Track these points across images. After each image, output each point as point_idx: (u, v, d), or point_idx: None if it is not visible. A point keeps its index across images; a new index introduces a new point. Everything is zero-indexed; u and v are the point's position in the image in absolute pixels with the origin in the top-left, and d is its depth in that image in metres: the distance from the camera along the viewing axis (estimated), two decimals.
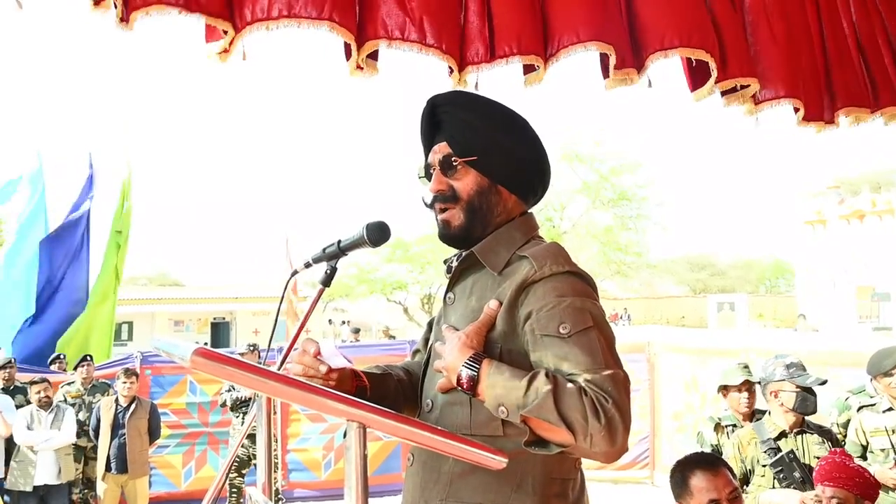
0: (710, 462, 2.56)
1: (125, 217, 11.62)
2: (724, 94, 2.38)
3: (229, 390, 7.00)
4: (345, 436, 0.98)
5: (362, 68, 2.02)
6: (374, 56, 2.04)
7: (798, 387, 3.41)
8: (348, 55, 1.98)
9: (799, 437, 3.38)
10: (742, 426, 4.07)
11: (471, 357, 1.30)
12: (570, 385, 1.19)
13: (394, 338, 15.15)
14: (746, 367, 4.31)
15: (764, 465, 3.35)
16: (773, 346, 7.24)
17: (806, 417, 3.48)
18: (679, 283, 43.24)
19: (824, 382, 3.44)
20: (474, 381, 1.27)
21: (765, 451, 3.37)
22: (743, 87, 2.31)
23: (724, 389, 4.26)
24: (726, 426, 4.17)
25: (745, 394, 4.15)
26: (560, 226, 28.43)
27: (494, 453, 1.02)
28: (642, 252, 31.47)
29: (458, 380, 1.29)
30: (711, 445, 4.10)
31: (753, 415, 4.13)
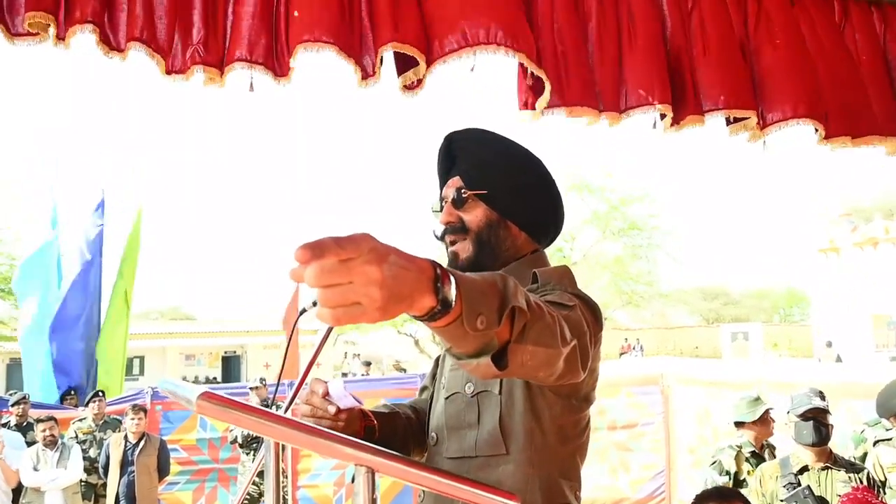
0: (723, 496, 2.62)
1: (133, 249, 11.72)
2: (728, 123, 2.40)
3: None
4: (353, 480, 0.96)
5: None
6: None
7: (797, 416, 3.37)
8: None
9: (824, 472, 3.31)
10: (758, 452, 4.11)
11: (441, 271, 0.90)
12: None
13: (405, 371, 15.10)
14: (758, 398, 4.32)
15: (781, 501, 3.29)
16: (787, 377, 7.15)
17: (837, 454, 3.42)
18: (692, 313, 42.92)
19: (819, 410, 3.37)
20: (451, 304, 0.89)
21: (784, 486, 3.31)
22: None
23: (741, 425, 4.24)
24: (748, 455, 4.13)
25: (765, 426, 4.21)
26: (570, 256, 28.40)
27: (505, 496, 1.00)
28: (654, 282, 31.39)
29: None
30: (728, 473, 4.05)
31: (764, 445, 4.17)
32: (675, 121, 2.25)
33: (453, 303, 0.89)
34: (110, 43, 2.00)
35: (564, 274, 1.41)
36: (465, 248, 1.51)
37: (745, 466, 4.04)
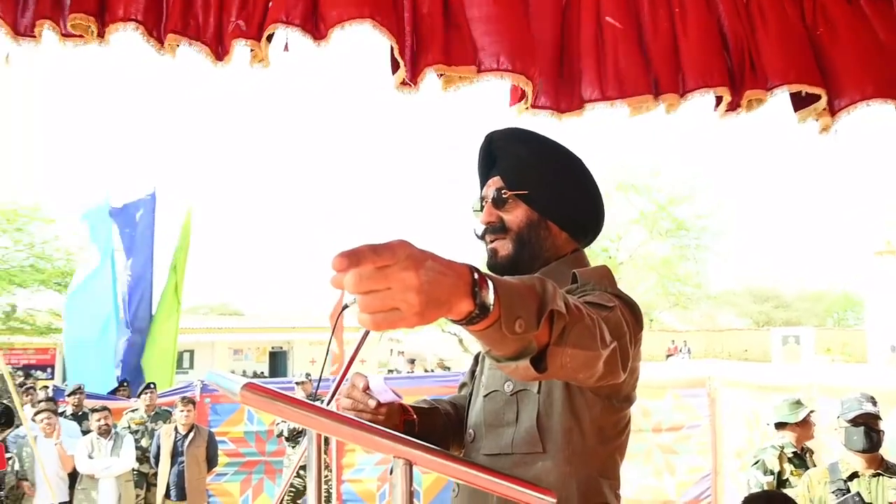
0: (772, 499, 2.58)
1: (184, 246, 11.99)
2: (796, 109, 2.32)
3: (285, 420, 7.07)
4: (391, 472, 0.98)
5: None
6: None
7: (847, 422, 3.30)
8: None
9: (874, 479, 3.24)
10: (799, 454, 4.19)
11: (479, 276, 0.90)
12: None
13: (448, 369, 15.13)
14: (800, 401, 4.42)
15: None
16: (838, 382, 6.98)
17: (888, 460, 3.34)
18: (741, 316, 42.06)
19: (870, 416, 3.29)
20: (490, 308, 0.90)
21: (832, 492, 3.25)
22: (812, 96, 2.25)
23: (782, 426, 4.33)
24: (790, 455, 4.19)
25: (806, 429, 4.32)
26: (616, 256, 28.08)
27: (542, 492, 1.00)
28: (702, 283, 30.84)
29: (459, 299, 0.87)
30: (771, 472, 4.10)
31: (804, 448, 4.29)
32: (735, 103, 2.19)
33: (491, 307, 0.89)
34: (157, 38, 2.02)
35: (604, 274, 1.41)
36: (504, 247, 1.52)
37: (788, 467, 4.10)
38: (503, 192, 1.52)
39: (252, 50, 2.04)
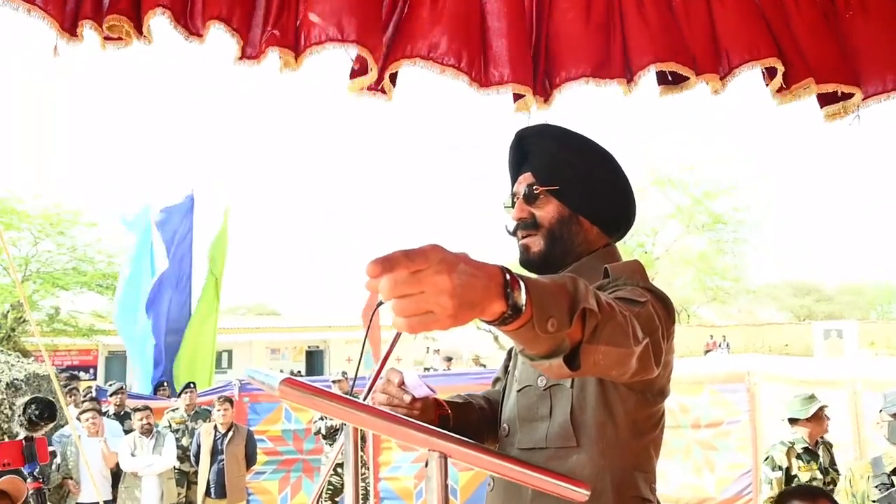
0: (809, 492, 2.57)
1: (221, 248, 12.16)
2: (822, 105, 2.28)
3: (322, 418, 7.14)
4: (427, 465, 0.99)
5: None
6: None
7: (891, 416, 3.24)
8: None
9: None
10: (811, 448, 4.32)
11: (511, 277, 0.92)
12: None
13: (484, 366, 15.12)
14: (813, 396, 4.51)
15: (874, 501, 3.17)
16: (882, 376, 6.84)
17: None
18: (781, 310, 41.37)
19: None
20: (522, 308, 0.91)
21: (876, 486, 3.19)
22: (846, 94, 2.20)
23: (794, 422, 4.44)
24: (800, 451, 4.31)
25: (819, 424, 4.41)
26: (652, 251, 27.81)
27: (576, 485, 1.01)
28: (741, 277, 30.39)
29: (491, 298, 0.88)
30: (780, 468, 4.23)
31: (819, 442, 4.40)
32: (787, 85, 2.15)
33: (524, 307, 0.90)
34: (188, 27, 2.04)
35: (636, 269, 1.40)
36: (536, 243, 1.52)
37: (796, 462, 4.24)
38: (535, 188, 1.52)
39: (283, 57, 2.08)
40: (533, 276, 0.98)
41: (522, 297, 0.90)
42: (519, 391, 1.49)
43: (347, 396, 1.01)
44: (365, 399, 1.47)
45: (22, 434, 3.09)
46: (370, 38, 2.05)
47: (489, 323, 0.92)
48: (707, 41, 2.19)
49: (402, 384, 1.45)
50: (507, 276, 0.89)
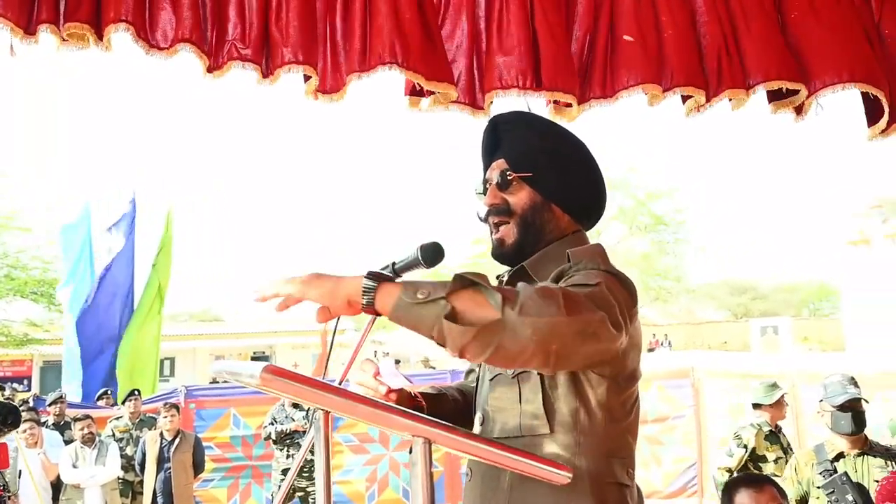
0: (755, 480, 2.69)
1: (166, 252, 11.89)
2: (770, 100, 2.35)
3: (272, 423, 7.04)
4: (411, 451, 0.99)
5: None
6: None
7: (835, 407, 3.36)
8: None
9: (860, 458, 3.29)
10: (774, 431, 4.64)
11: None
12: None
13: (434, 368, 15.13)
14: (775, 384, 4.84)
15: (818, 488, 3.28)
16: (818, 369, 7.09)
17: (872, 440, 3.41)
18: (720, 308, 42.45)
19: (856, 400, 3.36)
20: (381, 278, 1.20)
21: (820, 473, 3.30)
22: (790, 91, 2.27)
23: (758, 407, 4.77)
24: (766, 433, 4.62)
25: (779, 410, 4.76)
26: None
27: (559, 468, 1.02)
28: (681, 277, 31.12)
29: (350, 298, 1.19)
30: (745, 446, 4.52)
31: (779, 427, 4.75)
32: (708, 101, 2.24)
33: (384, 279, 1.18)
34: (149, 41, 2.05)
35: (597, 252, 1.42)
36: (509, 233, 1.53)
37: (764, 443, 4.55)
38: (508, 174, 1.53)
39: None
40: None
41: (381, 274, 1.19)
42: (491, 380, 1.49)
43: (329, 383, 1.00)
44: None
45: None
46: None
47: (365, 310, 1.18)
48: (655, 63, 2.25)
49: (377, 374, 1.45)
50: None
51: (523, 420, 1.39)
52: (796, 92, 2.24)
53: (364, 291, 1.16)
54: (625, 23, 2.22)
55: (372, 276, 1.18)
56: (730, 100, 2.24)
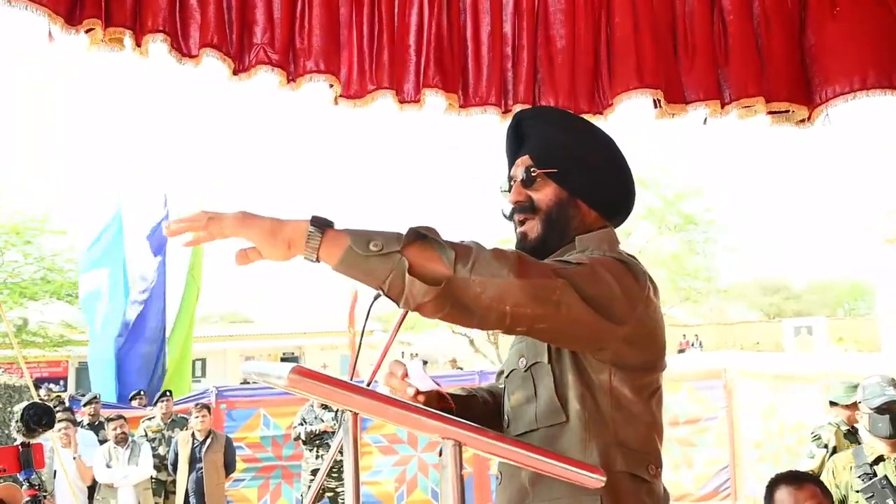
0: (796, 477, 2.65)
1: (200, 254, 11.99)
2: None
3: (301, 423, 7.08)
4: (440, 454, 0.98)
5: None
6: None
7: (872, 409, 3.28)
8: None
9: None
10: (852, 431, 4.43)
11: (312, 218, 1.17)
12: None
13: (461, 369, 15.12)
14: (857, 385, 4.46)
15: (857, 492, 3.21)
16: (854, 370, 6.95)
17: None
18: (752, 308, 41.88)
19: (895, 402, 3.27)
20: (327, 224, 1.16)
21: (858, 477, 3.23)
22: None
23: (834, 405, 4.64)
24: (845, 432, 4.48)
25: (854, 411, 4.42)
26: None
27: (592, 471, 1.00)
28: (712, 277, 30.70)
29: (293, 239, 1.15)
30: (825, 446, 4.40)
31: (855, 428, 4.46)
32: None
33: (331, 225, 1.14)
34: (181, 50, 2.09)
35: (604, 238, 1.42)
36: (533, 228, 1.50)
37: (844, 441, 4.39)
38: (532, 170, 1.51)
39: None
40: None
41: (328, 220, 1.15)
42: (507, 377, 1.48)
43: (358, 384, 0.99)
44: None
45: (19, 440, 3.02)
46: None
47: (306, 257, 1.14)
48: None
49: (405, 377, 1.43)
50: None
51: (539, 411, 1.38)
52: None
53: (309, 237, 1.13)
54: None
55: (317, 221, 1.14)
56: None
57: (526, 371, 1.42)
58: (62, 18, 1.87)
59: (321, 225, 1.14)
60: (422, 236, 1.15)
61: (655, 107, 2.37)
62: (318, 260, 1.14)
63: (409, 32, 2.26)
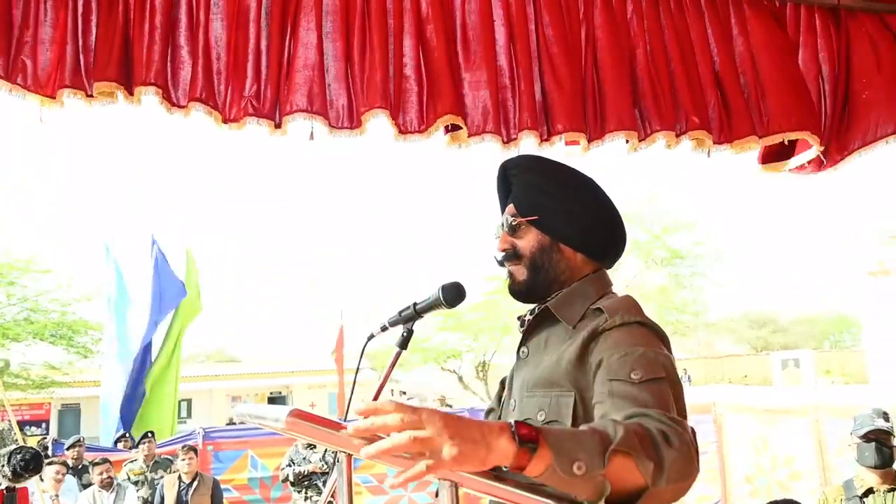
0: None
1: (192, 292, 11.93)
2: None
3: (290, 464, 7.00)
4: (437, 495, 0.98)
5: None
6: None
7: (859, 438, 3.30)
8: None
9: (889, 494, 3.23)
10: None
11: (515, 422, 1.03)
12: (635, 421, 1.15)
13: (450, 406, 15.02)
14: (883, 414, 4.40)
15: None
16: (842, 403, 6.97)
17: None
18: (739, 342, 42.01)
19: (882, 431, 3.28)
20: (533, 444, 0.99)
21: None
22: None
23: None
24: None
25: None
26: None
27: None
28: (699, 311, 30.79)
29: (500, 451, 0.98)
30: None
31: None
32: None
33: (537, 442, 0.98)
34: (171, 100, 2.13)
35: (631, 305, 1.42)
36: (520, 272, 1.56)
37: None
38: (514, 219, 1.56)
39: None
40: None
41: (534, 434, 0.98)
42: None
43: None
44: None
45: (4, 484, 2.97)
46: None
47: (513, 470, 0.99)
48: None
49: None
50: (514, 426, 0.98)
51: None
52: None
53: (516, 458, 0.97)
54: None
55: (525, 438, 0.98)
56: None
57: (545, 424, 1.41)
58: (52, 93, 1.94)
59: (528, 441, 0.99)
60: (622, 452, 1.04)
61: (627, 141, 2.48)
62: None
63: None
